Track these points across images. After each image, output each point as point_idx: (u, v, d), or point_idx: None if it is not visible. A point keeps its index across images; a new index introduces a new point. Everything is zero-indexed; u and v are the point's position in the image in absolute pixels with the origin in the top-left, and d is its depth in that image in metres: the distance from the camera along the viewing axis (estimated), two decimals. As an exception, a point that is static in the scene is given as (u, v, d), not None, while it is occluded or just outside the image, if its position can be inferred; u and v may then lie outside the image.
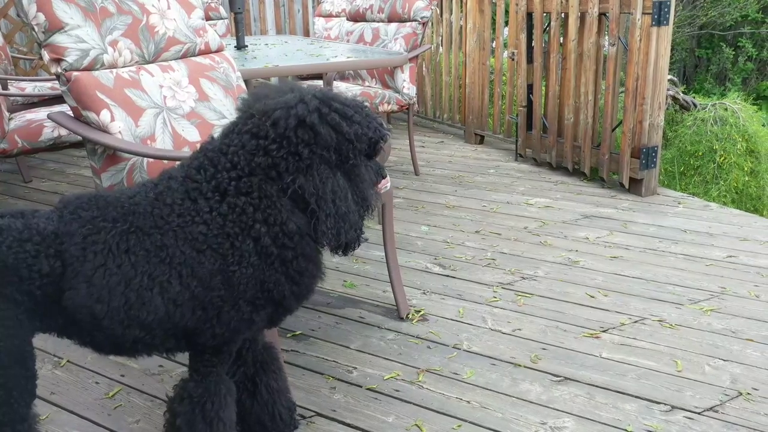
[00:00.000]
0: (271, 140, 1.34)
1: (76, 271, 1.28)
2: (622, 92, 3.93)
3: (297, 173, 1.34)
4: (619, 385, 1.98)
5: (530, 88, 4.35)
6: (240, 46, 3.46)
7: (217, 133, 1.47)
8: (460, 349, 2.20)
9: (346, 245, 1.40)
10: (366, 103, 1.48)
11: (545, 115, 4.28)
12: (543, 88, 4.29)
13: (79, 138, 2.93)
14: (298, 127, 1.34)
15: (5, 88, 3.42)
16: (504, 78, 4.92)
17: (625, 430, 1.78)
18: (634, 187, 3.74)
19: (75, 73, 1.86)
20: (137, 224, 1.33)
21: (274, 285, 1.37)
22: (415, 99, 3.98)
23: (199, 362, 1.44)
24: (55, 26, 1.83)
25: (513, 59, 4.54)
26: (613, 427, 1.79)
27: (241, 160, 1.35)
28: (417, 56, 3.94)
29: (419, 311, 2.44)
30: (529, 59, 4.32)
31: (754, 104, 4.96)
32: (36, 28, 1.82)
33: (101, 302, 1.28)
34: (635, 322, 2.35)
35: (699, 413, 1.84)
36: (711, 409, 1.86)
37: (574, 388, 1.97)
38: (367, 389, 1.98)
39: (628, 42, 3.59)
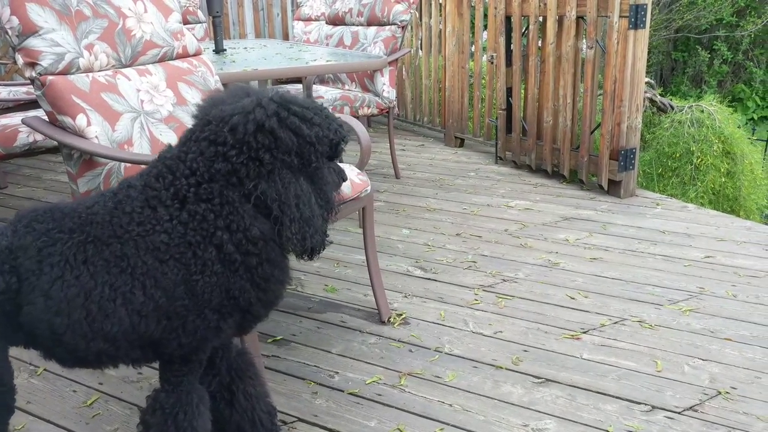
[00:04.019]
0: (230, 146, 1.32)
1: (32, 286, 1.25)
2: (600, 95, 3.96)
3: (258, 179, 1.32)
4: (599, 386, 1.99)
5: (509, 91, 4.36)
6: (218, 50, 3.44)
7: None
8: (441, 352, 2.19)
9: (311, 250, 1.39)
10: (324, 105, 1.48)
11: (524, 117, 4.30)
12: (522, 91, 4.31)
13: (55, 143, 2.89)
14: (257, 132, 1.32)
15: (-21, 92, 3.37)
16: (483, 81, 4.94)
17: (606, 430, 1.78)
18: (613, 188, 3.77)
19: (50, 77, 1.84)
20: (95, 234, 1.30)
21: (239, 292, 1.35)
22: (395, 102, 3.98)
23: (169, 372, 1.42)
24: (29, 30, 1.81)
25: (492, 62, 4.56)
26: (595, 428, 1.80)
27: (200, 166, 1.33)
28: (396, 60, 3.94)
29: (401, 315, 2.44)
30: (508, 62, 4.34)
31: (729, 106, 5.02)
32: (10, 32, 1.80)
33: (60, 315, 1.26)
34: (615, 323, 2.36)
35: (679, 413, 1.86)
36: (691, 408, 1.87)
37: (555, 389, 1.98)
38: (349, 394, 1.97)
39: (605, 45, 3.62)
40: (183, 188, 1.32)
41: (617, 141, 3.64)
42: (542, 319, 2.39)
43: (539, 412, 1.87)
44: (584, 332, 2.30)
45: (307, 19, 5.15)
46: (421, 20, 5.27)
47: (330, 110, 1.48)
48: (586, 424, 1.81)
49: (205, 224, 1.31)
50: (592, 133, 3.82)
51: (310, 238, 1.36)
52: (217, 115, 1.35)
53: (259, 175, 1.32)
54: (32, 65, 1.82)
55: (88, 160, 1.89)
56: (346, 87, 4.14)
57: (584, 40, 3.79)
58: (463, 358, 2.16)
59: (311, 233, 1.36)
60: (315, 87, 4.01)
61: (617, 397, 1.93)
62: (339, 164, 1.52)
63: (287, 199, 1.33)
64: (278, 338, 2.29)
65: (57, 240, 1.28)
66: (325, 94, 3.78)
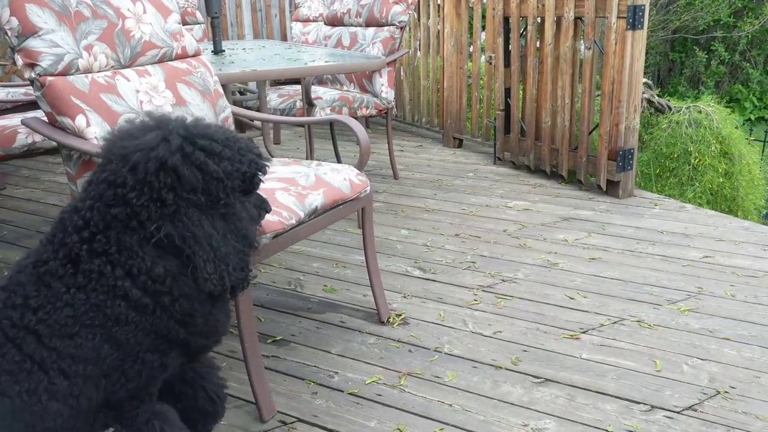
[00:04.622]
0: (130, 188, 1.23)
1: None
2: (598, 95, 3.97)
3: (162, 220, 1.24)
4: (599, 386, 1.99)
5: (508, 91, 4.37)
6: (217, 51, 3.44)
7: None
8: (441, 352, 2.20)
9: (232, 288, 1.32)
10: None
11: (523, 118, 4.30)
12: (520, 91, 4.31)
13: (54, 144, 2.89)
14: (159, 171, 1.24)
15: (-23, 94, 3.37)
16: (482, 82, 4.94)
17: (606, 430, 1.79)
18: (611, 189, 3.77)
19: (49, 78, 1.84)
20: None
21: (166, 330, 1.30)
22: (393, 103, 3.99)
23: (122, 411, 1.36)
24: (28, 30, 1.81)
25: (490, 63, 4.56)
26: (594, 427, 1.80)
27: (95, 215, 1.25)
28: (395, 60, 3.94)
29: (400, 315, 2.44)
30: (507, 63, 4.34)
31: (726, 107, 5.03)
32: (9, 33, 1.80)
33: None
34: (614, 322, 2.36)
35: (678, 412, 1.86)
36: (690, 408, 1.88)
37: (554, 389, 1.98)
38: (349, 394, 1.97)
39: (603, 46, 3.63)
40: (75, 247, 1.24)
41: (615, 141, 3.65)
42: (541, 319, 2.40)
43: (539, 411, 1.88)
44: (583, 332, 2.30)
45: (306, 20, 5.16)
46: (419, 21, 5.28)
47: (246, 141, 1.38)
48: (586, 424, 1.82)
49: (104, 279, 1.24)
50: (590, 133, 3.83)
51: (228, 276, 1.29)
52: (118, 154, 1.27)
53: (162, 216, 1.24)
54: (32, 66, 1.82)
55: (87, 160, 1.89)
56: (345, 88, 4.14)
57: (582, 41, 3.80)
58: (463, 358, 2.16)
59: (229, 271, 1.29)
60: (313, 88, 4.01)
61: (616, 397, 1.93)
62: (260, 195, 1.45)
63: (198, 239, 1.26)
64: (278, 338, 2.29)
65: None
66: (323, 95, 3.78)
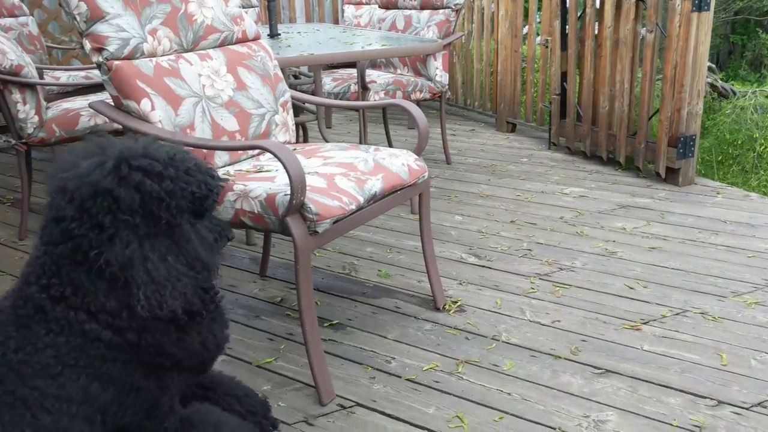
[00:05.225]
0: (70, 219, 1.19)
1: None
2: (658, 80, 3.85)
3: (102, 246, 1.19)
4: (662, 379, 1.94)
5: (564, 75, 4.28)
6: (273, 35, 3.45)
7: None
8: (498, 340, 2.17)
9: (190, 312, 1.26)
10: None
11: (579, 103, 4.21)
12: (577, 75, 4.22)
13: (116, 126, 2.95)
14: (95, 196, 1.19)
15: (41, 77, 3.45)
16: (536, 65, 4.86)
17: (671, 424, 1.75)
18: (671, 176, 3.67)
19: (116, 62, 1.87)
20: None
21: (151, 359, 1.26)
22: (447, 87, 3.94)
23: (147, 429, 1.33)
24: (96, 15, 1.84)
25: (546, 47, 4.47)
26: (658, 421, 1.76)
27: (47, 260, 1.22)
28: (449, 44, 3.90)
29: (456, 302, 2.42)
30: (563, 46, 4.25)
31: (793, 91, 4.83)
32: (78, 18, 1.83)
33: None
34: (676, 314, 2.30)
35: (747, 408, 1.80)
36: (759, 404, 1.82)
37: (616, 380, 1.94)
38: (407, 380, 1.97)
39: (666, 28, 3.51)
40: (35, 298, 1.21)
41: (677, 127, 3.54)
42: (600, 309, 2.35)
43: (600, 403, 1.84)
44: (644, 323, 2.25)
45: (358, 3, 5.12)
46: (473, 3, 5.20)
47: (197, 159, 1.31)
48: (650, 417, 1.78)
49: (74, 326, 1.20)
50: (650, 119, 3.72)
51: (171, 300, 1.22)
52: (58, 186, 1.23)
53: (101, 242, 1.19)
54: (99, 50, 1.85)
55: (152, 144, 1.91)
56: (399, 71, 4.11)
57: (643, 24, 3.69)
58: (521, 347, 2.13)
59: (173, 295, 1.22)
60: (367, 72, 4.00)
61: (681, 391, 1.88)
62: (220, 221, 1.39)
63: (132, 262, 1.20)
64: (334, 322, 2.30)
65: None
66: (377, 78, 3.76)
